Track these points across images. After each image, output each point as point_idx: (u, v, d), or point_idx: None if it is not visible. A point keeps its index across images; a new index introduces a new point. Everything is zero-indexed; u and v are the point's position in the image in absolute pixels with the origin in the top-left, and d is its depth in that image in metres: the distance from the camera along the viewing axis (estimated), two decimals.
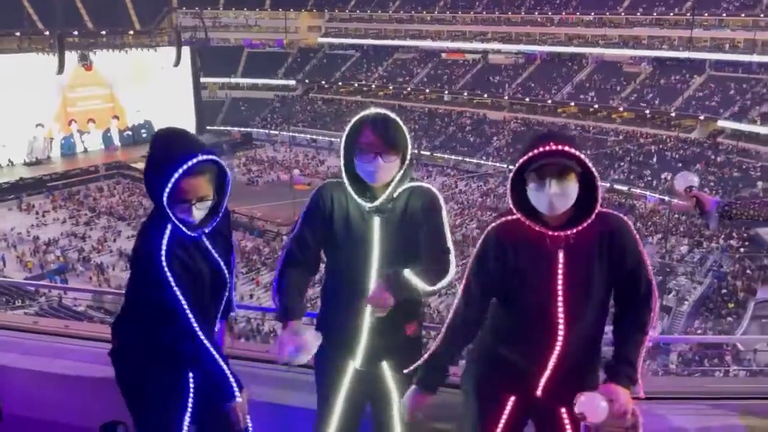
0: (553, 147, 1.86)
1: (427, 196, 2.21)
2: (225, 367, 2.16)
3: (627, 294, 2.04)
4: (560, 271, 1.96)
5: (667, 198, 34.16)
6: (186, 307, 2.10)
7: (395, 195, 2.18)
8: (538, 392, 2.08)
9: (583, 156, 1.89)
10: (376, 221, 2.18)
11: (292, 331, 2.07)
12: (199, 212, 2.11)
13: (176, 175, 2.01)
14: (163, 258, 2.08)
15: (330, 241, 2.25)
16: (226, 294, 2.34)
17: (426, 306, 24.12)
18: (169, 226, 2.12)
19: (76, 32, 45.04)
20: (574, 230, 1.93)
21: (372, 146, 2.09)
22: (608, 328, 2.11)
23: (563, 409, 2.10)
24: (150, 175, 2.08)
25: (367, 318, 2.23)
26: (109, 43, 46.47)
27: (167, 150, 2.08)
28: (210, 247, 2.24)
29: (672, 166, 38.52)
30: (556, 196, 1.87)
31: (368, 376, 2.32)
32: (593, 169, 1.90)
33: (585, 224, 1.93)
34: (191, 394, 2.32)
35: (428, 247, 2.18)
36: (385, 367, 2.31)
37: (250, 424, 2.24)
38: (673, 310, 23.67)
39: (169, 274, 2.08)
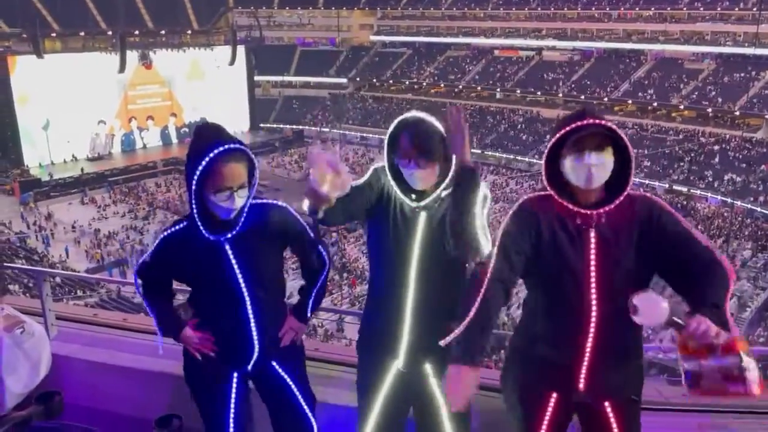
0: (591, 121, 1.87)
1: (469, 176, 2.13)
2: (155, 315, 2.38)
3: (687, 266, 1.89)
4: (592, 250, 1.92)
5: (729, 200, 32.83)
6: (148, 260, 2.27)
7: (443, 196, 2.15)
8: (580, 385, 2.01)
9: (617, 129, 1.88)
10: (422, 217, 2.16)
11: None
12: (240, 200, 2.09)
13: (212, 155, 2.00)
14: (165, 234, 2.24)
15: (374, 221, 2.23)
16: (247, 302, 2.24)
17: None
18: (184, 225, 2.20)
19: (137, 32, 46.55)
20: (605, 209, 1.91)
21: (408, 154, 2.08)
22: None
23: (607, 403, 2.04)
24: (188, 163, 2.08)
25: (409, 315, 2.20)
26: (168, 42, 47.89)
27: (205, 136, 2.09)
28: (231, 255, 2.19)
29: (735, 166, 37.04)
30: (595, 167, 1.87)
31: (411, 378, 2.26)
32: (628, 144, 1.89)
33: (617, 202, 1.91)
34: (233, 397, 2.34)
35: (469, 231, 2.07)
36: (429, 369, 2.25)
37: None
38: (734, 316, 22.69)
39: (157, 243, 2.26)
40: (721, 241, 29.49)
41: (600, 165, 1.88)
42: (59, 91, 39.64)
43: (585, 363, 1.99)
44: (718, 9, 45.40)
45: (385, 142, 2.17)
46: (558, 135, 1.91)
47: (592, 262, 1.93)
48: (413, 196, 2.16)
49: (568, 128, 1.88)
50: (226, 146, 2.03)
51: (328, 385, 2.96)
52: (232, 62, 49.17)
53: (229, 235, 2.17)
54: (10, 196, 35.38)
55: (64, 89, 39.78)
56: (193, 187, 2.04)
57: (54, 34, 43.98)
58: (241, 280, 2.22)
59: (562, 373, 2.03)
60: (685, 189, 36.24)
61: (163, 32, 48.22)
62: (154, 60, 46.08)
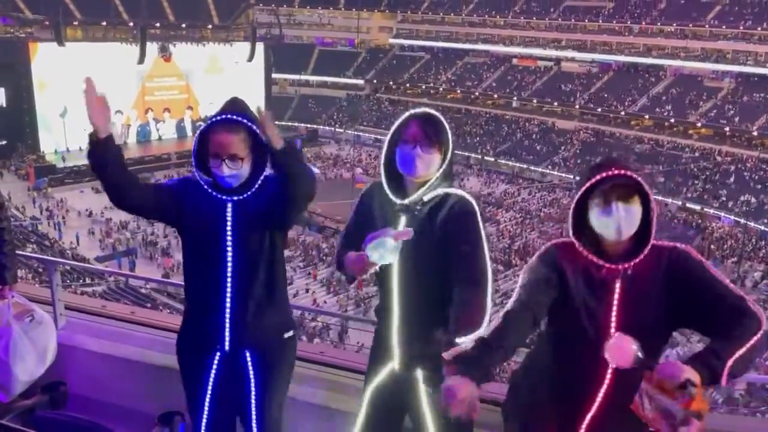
0: (618, 172, 1.84)
1: (461, 208, 2.14)
2: None
3: (715, 313, 1.83)
4: (615, 303, 1.89)
5: (743, 221, 32.53)
6: (156, 186, 2.32)
7: (427, 198, 2.18)
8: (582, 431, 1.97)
9: (643, 181, 1.85)
10: (402, 220, 2.20)
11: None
12: (228, 170, 2.18)
13: (209, 121, 2.18)
14: (188, 175, 2.33)
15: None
16: (228, 262, 2.27)
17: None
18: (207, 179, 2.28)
19: (158, 24, 46.87)
20: (632, 263, 1.87)
21: (413, 137, 2.15)
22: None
23: None
24: None
25: (397, 320, 2.24)
26: (188, 36, 48.22)
27: (222, 106, 2.25)
28: (230, 216, 2.26)
29: (751, 187, 36.72)
30: (624, 219, 1.83)
31: (404, 380, 2.30)
32: (652, 196, 1.86)
33: (642, 255, 1.86)
34: (212, 376, 2.37)
35: (459, 279, 2.07)
36: (419, 375, 2.27)
37: None
38: None
39: (168, 181, 2.35)
40: (733, 261, 29.25)
41: (628, 216, 1.84)
42: (78, 79, 39.30)
43: (593, 410, 1.95)
44: (741, 28, 45.05)
45: (389, 134, 2.23)
46: (585, 187, 1.87)
47: (613, 315, 1.90)
48: (398, 198, 2.20)
49: (595, 179, 1.85)
50: (222, 116, 2.17)
51: (333, 390, 2.96)
52: (250, 59, 49.32)
53: (235, 198, 2.25)
54: (24, 180, 35.70)
55: (83, 77, 39.90)
56: (194, 148, 2.23)
57: (76, 23, 44.37)
58: (229, 245, 2.27)
59: (567, 411, 2.00)
60: (698, 207, 35.97)
61: (183, 26, 48.55)
62: (174, 53, 46.32)
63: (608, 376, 1.91)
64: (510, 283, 26.62)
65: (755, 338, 1.73)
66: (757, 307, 1.82)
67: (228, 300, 2.29)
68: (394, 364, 2.31)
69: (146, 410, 2.91)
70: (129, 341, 3.35)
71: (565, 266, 1.95)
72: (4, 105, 39.41)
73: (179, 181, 2.34)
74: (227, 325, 2.30)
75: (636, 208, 1.85)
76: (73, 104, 40.26)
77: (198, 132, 2.22)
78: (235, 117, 2.17)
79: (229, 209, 2.26)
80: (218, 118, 2.18)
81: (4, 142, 39.08)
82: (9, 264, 3.01)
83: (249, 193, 2.26)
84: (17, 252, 3.21)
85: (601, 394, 1.93)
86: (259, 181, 2.25)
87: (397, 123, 2.22)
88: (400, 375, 2.30)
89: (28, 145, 39.93)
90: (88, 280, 20.62)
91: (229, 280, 2.27)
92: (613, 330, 1.88)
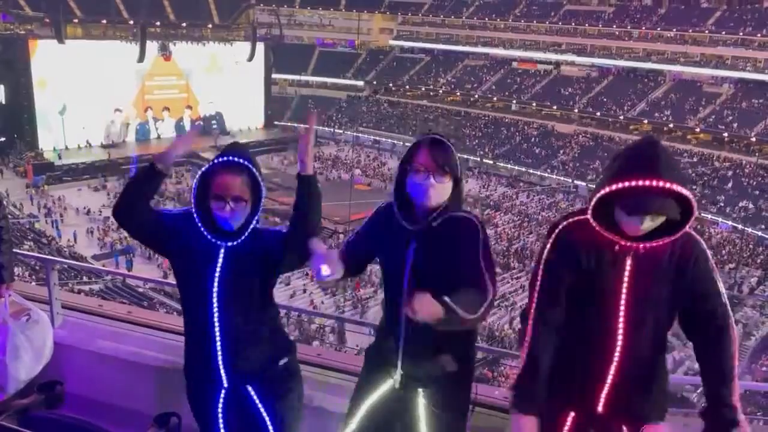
0: (661, 184, 1.73)
1: (467, 224, 2.17)
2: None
3: (702, 325, 1.92)
4: (626, 278, 1.91)
5: (740, 226, 32.57)
6: (157, 212, 2.28)
7: (436, 223, 2.17)
8: (599, 408, 2.01)
9: (688, 194, 1.76)
10: (413, 245, 2.20)
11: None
12: (232, 211, 2.16)
13: (211, 163, 2.18)
14: (191, 209, 2.26)
15: (377, 256, 2.34)
16: (215, 305, 2.25)
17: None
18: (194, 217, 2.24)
19: (158, 23, 46.83)
20: (647, 244, 1.87)
21: (424, 166, 2.14)
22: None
23: (625, 428, 2.02)
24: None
25: (402, 339, 2.23)
26: (189, 35, 48.19)
27: (222, 150, 2.23)
28: (221, 260, 2.23)
29: (749, 193, 36.78)
30: (646, 228, 1.83)
31: (403, 398, 2.29)
32: (694, 204, 1.78)
33: (659, 242, 1.86)
34: (220, 411, 2.36)
35: (464, 274, 2.09)
36: (421, 395, 2.27)
37: None
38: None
39: (167, 210, 2.34)
40: (731, 267, 29.29)
41: (651, 227, 1.82)
42: (77, 77, 39.91)
43: (606, 387, 1.99)
44: (740, 34, 45.18)
45: (399, 163, 2.23)
46: (619, 186, 1.77)
47: (624, 289, 1.92)
48: (408, 224, 2.19)
49: (633, 183, 1.75)
50: (224, 158, 2.16)
51: (328, 392, 2.95)
52: (250, 58, 49.33)
53: (229, 244, 2.23)
54: (22, 178, 35.65)
55: (83, 75, 40.06)
56: (194, 190, 2.20)
57: (76, 20, 44.27)
58: (215, 289, 2.24)
59: (582, 394, 2.03)
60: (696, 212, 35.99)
61: (184, 25, 48.51)
62: (174, 52, 46.30)
63: (617, 351, 1.95)
64: (507, 285, 26.62)
65: (736, 366, 1.90)
66: (732, 324, 1.93)
67: (218, 341, 2.28)
68: (394, 382, 2.29)
69: (143, 410, 2.90)
70: (126, 341, 3.34)
71: (578, 250, 1.95)
72: (4, 102, 39.35)
73: (178, 214, 2.31)
74: (221, 364, 2.30)
75: (662, 219, 1.81)
76: (72, 102, 40.30)
77: (200, 173, 2.20)
78: (238, 160, 2.16)
79: (221, 253, 2.25)
80: (222, 159, 2.17)
81: (2, 139, 39.03)
82: (6, 262, 3.00)
83: (242, 238, 2.23)
84: (14, 250, 3.20)
85: (612, 369, 1.97)
86: (251, 226, 2.23)
87: (407, 151, 2.21)
88: (400, 393, 2.29)
89: (27, 142, 39.87)
90: (85, 278, 20.59)
91: (216, 322, 2.26)
92: (623, 305, 1.92)
